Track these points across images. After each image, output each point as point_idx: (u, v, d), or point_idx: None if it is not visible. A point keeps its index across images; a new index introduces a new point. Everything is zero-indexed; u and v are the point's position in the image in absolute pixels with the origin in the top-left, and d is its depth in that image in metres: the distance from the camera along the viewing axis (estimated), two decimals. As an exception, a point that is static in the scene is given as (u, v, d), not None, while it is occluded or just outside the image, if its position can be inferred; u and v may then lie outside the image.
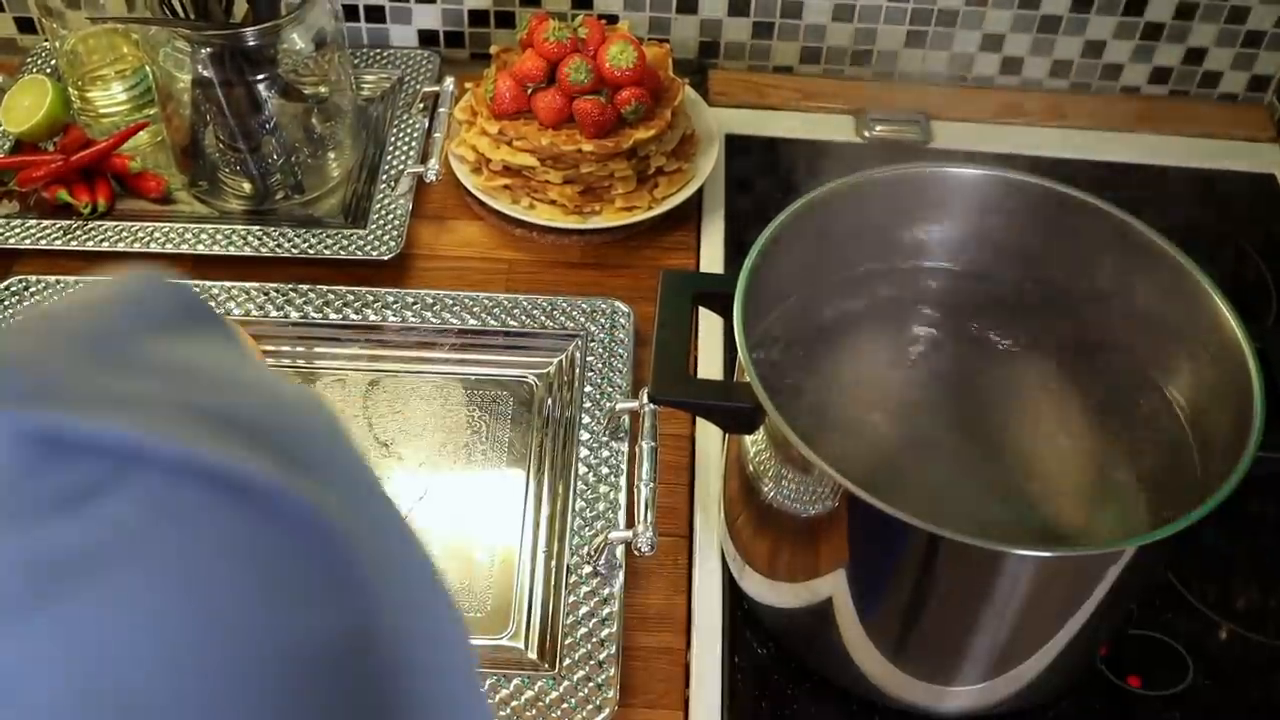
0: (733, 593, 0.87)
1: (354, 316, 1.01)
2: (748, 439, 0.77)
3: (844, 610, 0.77)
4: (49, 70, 1.22)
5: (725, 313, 0.78)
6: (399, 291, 1.03)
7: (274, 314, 1.01)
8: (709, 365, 1.00)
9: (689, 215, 1.13)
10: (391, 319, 1.01)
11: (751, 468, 0.79)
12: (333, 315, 1.01)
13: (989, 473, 0.78)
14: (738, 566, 0.86)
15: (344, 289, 1.03)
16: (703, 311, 0.85)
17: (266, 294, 1.02)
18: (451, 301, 1.02)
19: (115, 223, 1.09)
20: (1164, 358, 0.82)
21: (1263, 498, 0.96)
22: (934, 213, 0.87)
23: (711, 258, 1.10)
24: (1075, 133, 1.25)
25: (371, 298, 1.02)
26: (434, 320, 1.01)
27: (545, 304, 1.02)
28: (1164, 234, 0.81)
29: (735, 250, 1.11)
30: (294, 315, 1.01)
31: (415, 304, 1.02)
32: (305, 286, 1.03)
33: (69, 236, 1.07)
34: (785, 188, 1.18)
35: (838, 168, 1.20)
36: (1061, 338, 0.85)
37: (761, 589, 0.84)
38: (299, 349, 1.01)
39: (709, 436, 0.95)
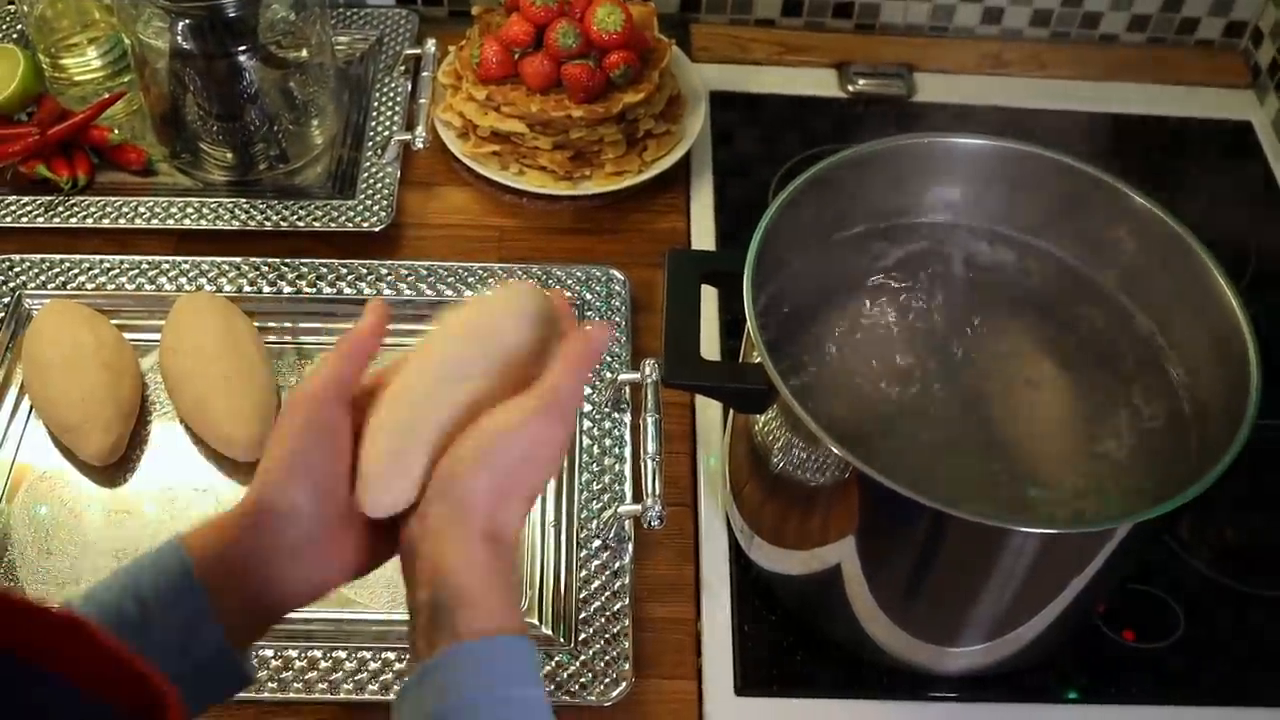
0: (739, 561, 0.88)
1: (347, 290, 1.00)
2: (755, 411, 0.78)
3: (853, 577, 0.79)
4: (15, 37, 1.19)
5: (730, 288, 0.78)
6: (392, 263, 1.02)
7: (266, 289, 1.00)
8: (705, 333, 1.00)
9: (677, 176, 1.13)
10: (386, 291, 1.00)
11: (759, 438, 0.80)
12: (326, 289, 1.00)
13: (991, 437, 0.80)
14: (745, 535, 0.87)
15: (335, 262, 1.02)
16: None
17: (257, 269, 1.01)
18: (445, 272, 1.01)
19: (97, 197, 1.07)
20: (1161, 325, 0.84)
21: (1256, 456, 0.98)
22: (933, 182, 0.88)
23: (702, 219, 1.10)
24: (1055, 83, 1.26)
25: (365, 269, 1.02)
26: (429, 292, 1.00)
27: (540, 273, 1.02)
28: (1144, 187, 0.83)
29: (725, 210, 1.11)
30: (286, 290, 1.00)
31: (409, 275, 1.01)
32: (296, 260, 1.02)
33: (50, 213, 1.05)
34: (773, 145, 1.18)
35: (824, 124, 1.21)
36: (1061, 304, 0.87)
37: (770, 557, 0.85)
38: (287, 325, 1.00)
39: (709, 403, 0.96)
